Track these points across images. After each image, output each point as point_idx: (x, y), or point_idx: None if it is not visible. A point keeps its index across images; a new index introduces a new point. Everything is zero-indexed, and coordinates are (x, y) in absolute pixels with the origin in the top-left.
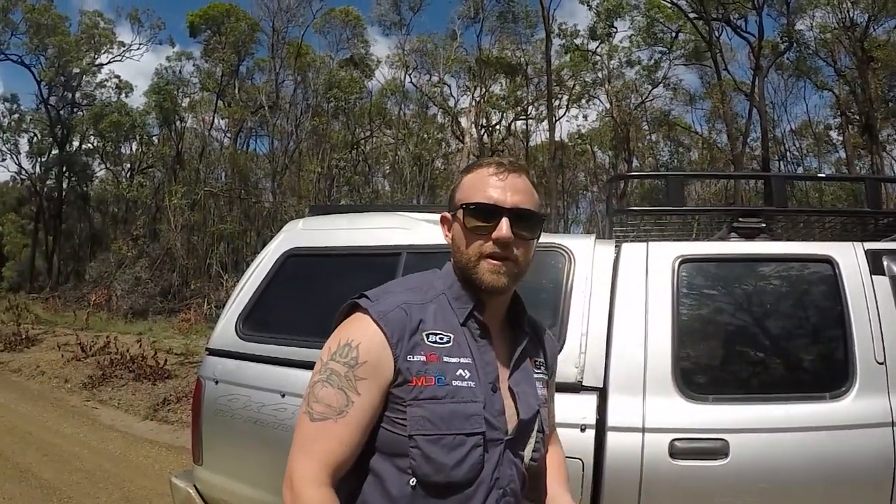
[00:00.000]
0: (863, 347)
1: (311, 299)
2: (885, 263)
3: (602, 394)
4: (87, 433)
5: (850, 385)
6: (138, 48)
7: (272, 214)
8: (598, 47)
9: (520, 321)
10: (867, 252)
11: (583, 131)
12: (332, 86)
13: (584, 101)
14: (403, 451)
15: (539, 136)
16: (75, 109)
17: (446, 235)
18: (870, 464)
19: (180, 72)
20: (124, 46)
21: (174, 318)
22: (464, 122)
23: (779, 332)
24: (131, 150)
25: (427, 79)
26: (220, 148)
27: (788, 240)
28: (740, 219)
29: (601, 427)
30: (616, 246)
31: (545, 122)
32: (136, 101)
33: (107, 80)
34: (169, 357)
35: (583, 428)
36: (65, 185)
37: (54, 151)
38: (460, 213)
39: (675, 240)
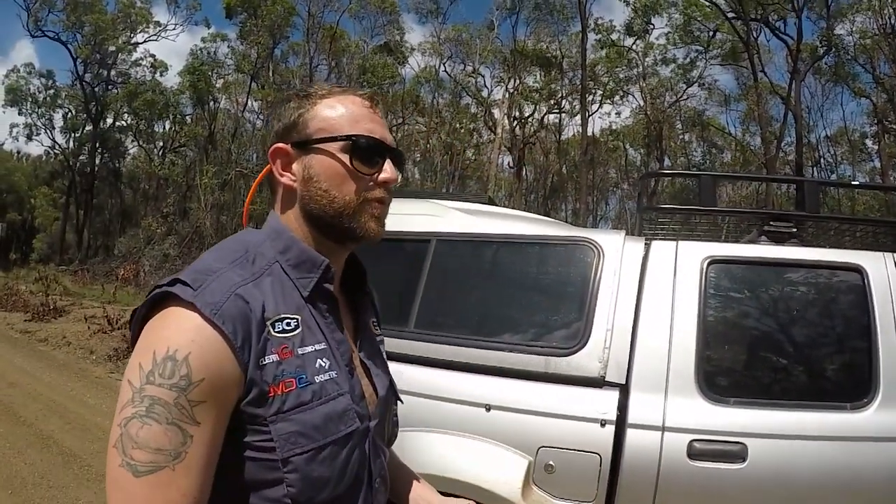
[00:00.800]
0: (888, 359)
1: None
2: None
3: (624, 390)
4: (110, 404)
5: (872, 396)
6: (174, 28)
7: None
8: (633, 44)
9: (361, 282)
10: None
11: (615, 128)
12: (366, 71)
13: (617, 97)
14: (275, 479)
15: (571, 130)
16: (110, 87)
17: (287, 175)
18: (889, 478)
19: (215, 53)
20: (160, 26)
21: None
22: (496, 113)
23: (803, 339)
24: (164, 128)
25: (461, 68)
26: (253, 129)
27: (818, 246)
28: (771, 222)
29: (621, 423)
30: (645, 243)
31: (578, 117)
32: (171, 80)
33: (142, 59)
34: None
35: (603, 423)
36: (97, 161)
37: (88, 127)
38: (337, 148)
39: (704, 240)
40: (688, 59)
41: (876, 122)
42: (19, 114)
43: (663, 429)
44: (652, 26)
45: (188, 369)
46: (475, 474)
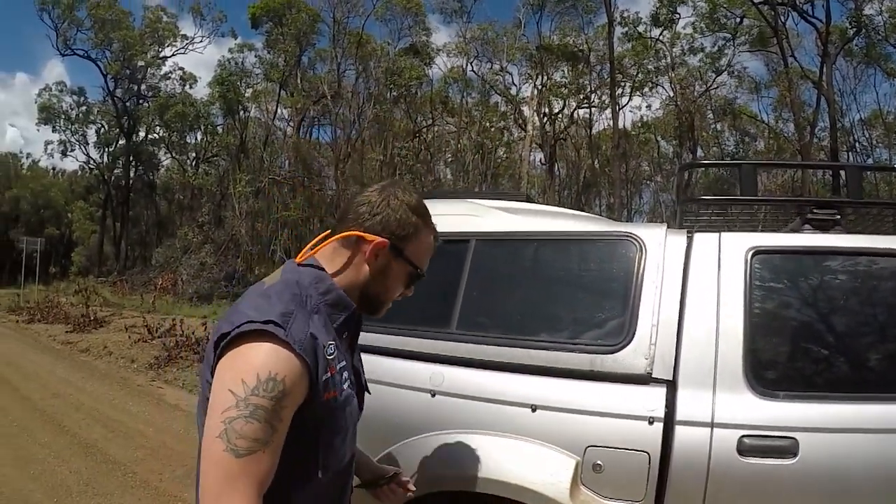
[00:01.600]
0: None
1: None
2: None
3: (671, 386)
4: (153, 412)
5: None
6: (201, 41)
7: (335, 202)
8: (660, 34)
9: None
10: None
11: (646, 120)
12: (393, 73)
13: (646, 89)
14: (317, 451)
15: (602, 124)
16: (141, 101)
17: (370, 258)
18: None
19: (243, 63)
20: (187, 39)
21: None
22: (526, 110)
23: (853, 330)
24: (196, 139)
25: (488, 67)
26: (284, 137)
27: (860, 233)
28: (815, 210)
29: (669, 420)
30: (688, 236)
31: (608, 111)
32: (200, 91)
33: (171, 72)
34: None
35: (651, 421)
36: (132, 174)
37: (121, 141)
38: (409, 270)
39: (744, 231)
40: (716, 48)
41: None
42: (53, 131)
43: (712, 425)
44: (678, 16)
45: (284, 387)
46: (522, 476)
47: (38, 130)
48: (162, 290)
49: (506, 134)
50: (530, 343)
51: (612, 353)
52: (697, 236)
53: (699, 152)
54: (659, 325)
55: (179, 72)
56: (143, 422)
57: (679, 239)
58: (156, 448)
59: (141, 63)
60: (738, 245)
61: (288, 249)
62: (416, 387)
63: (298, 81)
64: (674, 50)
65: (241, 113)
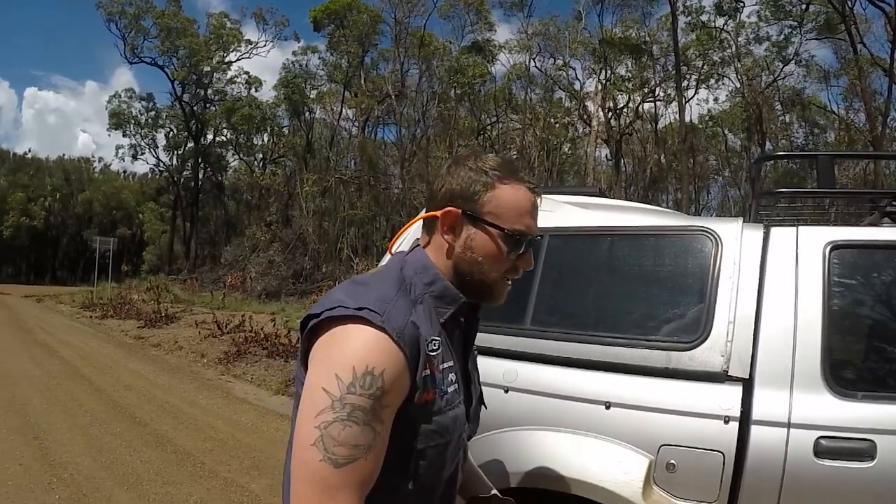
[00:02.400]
0: None
1: None
2: None
3: (748, 385)
4: (221, 405)
5: None
6: (264, 45)
7: (401, 200)
8: (725, 23)
9: (475, 308)
10: None
11: (713, 113)
12: (457, 72)
13: (712, 80)
14: (408, 460)
15: (668, 118)
16: (208, 105)
17: (446, 234)
18: None
19: (306, 65)
20: (251, 44)
21: (306, 299)
22: (590, 105)
23: None
24: (263, 140)
25: (551, 62)
26: (349, 137)
27: None
28: (893, 202)
29: (745, 420)
30: (764, 230)
31: (674, 104)
32: (266, 94)
33: (236, 77)
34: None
35: (727, 420)
36: (200, 175)
37: (190, 144)
38: (499, 234)
39: (820, 224)
40: (782, 36)
41: None
42: (124, 135)
43: (789, 425)
44: (742, 4)
45: (382, 382)
46: (595, 473)
47: (108, 135)
48: (231, 288)
49: (571, 130)
50: (605, 339)
51: (688, 350)
52: (774, 230)
53: (768, 145)
54: (735, 322)
55: (245, 76)
56: (212, 414)
57: (756, 233)
58: (224, 440)
59: (207, 68)
60: (816, 239)
61: (355, 247)
62: (490, 383)
63: (362, 82)
64: (739, 39)
65: (307, 114)
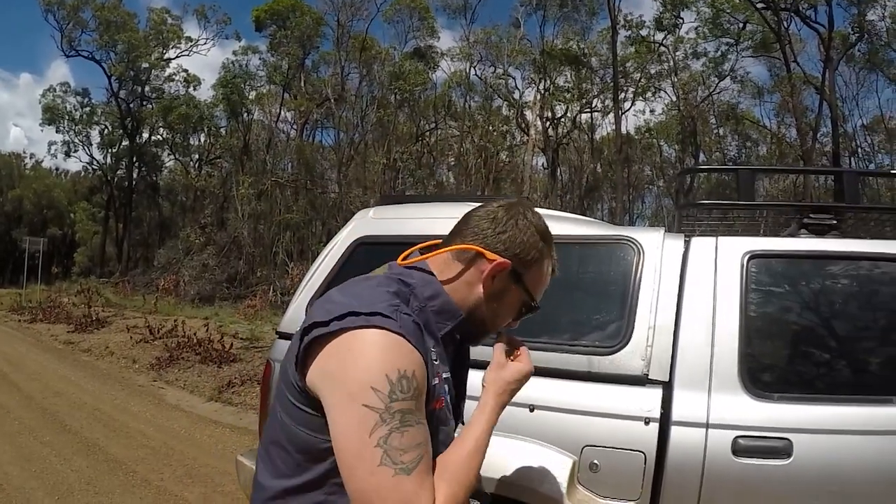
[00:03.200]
0: None
1: None
2: None
3: (667, 387)
4: (154, 412)
5: None
6: (205, 43)
7: (337, 205)
8: (664, 39)
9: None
10: None
11: (649, 125)
12: (398, 77)
13: (649, 93)
14: None
15: (605, 128)
16: (145, 102)
17: (487, 279)
18: None
19: (247, 65)
20: (191, 41)
21: (240, 304)
22: (529, 114)
23: (848, 333)
24: (199, 141)
25: (492, 71)
26: (287, 139)
27: (859, 238)
28: (811, 215)
29: (665, 421)
30: (685, 240)
31: (611, 115)
32: (204, 94)
33: (175, 74)
34: (234, 341)
35: (647, 421)
36: (135, 175)
37: (124, 143)
38: (523, 298)
39: (743, 235)
40: (719, 52)
41: None
42: (57, 131)
43: (707, 425)
44: (681, 20)
45: (417, 382)
46: (521, 474)
47: (41, 131)
48: (164, 292)
49: (508, 138)
50: (528, 344)
51: (610, 354)
52: (695, 240)
53: (701, 157)
54: (656, 328)
55: (183, 74)
56: (144, 421)
57: (676, 243)
58: (157, 447)
59: (145, 65)
60: (734, 249)
61: (290, 251)
62: None
63: (302, 84)
64: (677, 54)
65: (245, 115)
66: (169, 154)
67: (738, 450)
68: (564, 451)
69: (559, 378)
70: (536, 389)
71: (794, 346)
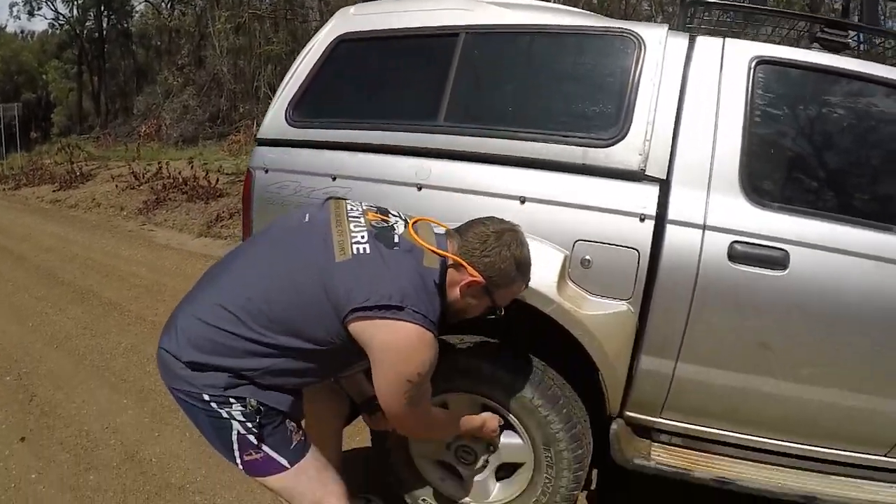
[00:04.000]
0: None
1: (363, 84)
2: None
3: (664, 185)
4: (145, 253)
5: None
6: None
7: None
8: None
9: None
10: None
11: None
12: None
13: None
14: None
15: None
16: None
17: (463, 288)
18: None
19: None
20: None
21: (224, 141)
22: None
23: (855, 155)
24: None
25: None
26: None
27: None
28: (825, 29)
29: (661, 219)
30: (690, 38)
31: None
32: None
33: None
34: (220, 177)
35: (642, 218)
36: (105, 25)
37: None
38: (488, 303)
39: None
40: None
41: None
42: None
43: (704, 227)
44: None
45: (431, 367)
46: None
47: None
48: (146, 138)
49: None
50: (521, 135)
51: (606, 147)
52: (700, 39)
53: None
54: (655, 124)
55: None
56: (135, 264)
57: (681, 41)
58: (149, 286)
59: None
60: (742, 52)
61: (272, 84)
62: (401, 182)
63: None
64: None
65: None
66: None
67: (734, 255)
68: (555, 246)
69: (551, 170)
70: (527, 181)
71: (798, 159)
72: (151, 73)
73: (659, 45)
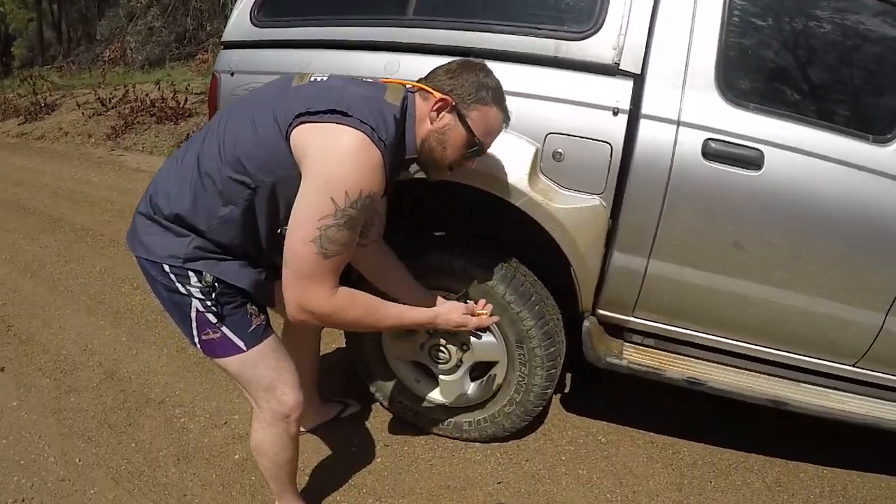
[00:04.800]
0: None
1: None
2: None
3: (639, 80)
4: (115, 178)
5: None
6: None
7: None
8: None
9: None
10: None
11: None
12: None
13: None
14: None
15: None
16: None
17: (433, 113)
18: None
19: None
20: None
21: (192, 62)
22: None
23: (836, 61)
24: None
25: None
26: None
27: None
28: None
29: (634, 114)
30: None
31: None
32: None
33: None
34: (189, 97)
35: (615, 112)
36: None
37: None
38: (466, 137)
39: None
40: None
41: None
42: None
43: (678, 123)
44: None
45: (372, 202)
46: (480, 161)
47: None
48: (111, 63)
49: None
50: (492, 27)
51: (579, 40)
52: None
53: None
54: (631, 16)
55: None
56: (106, 188)
57: None
58: (121, 209)
59: None
60: None
61: None
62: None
63: None
64: None
65: None
66: None
67: (708, 153)
68: (527, 138)
69: (522, 63)
70: (498, 73)
71: (776, 60)
72: None
73: None
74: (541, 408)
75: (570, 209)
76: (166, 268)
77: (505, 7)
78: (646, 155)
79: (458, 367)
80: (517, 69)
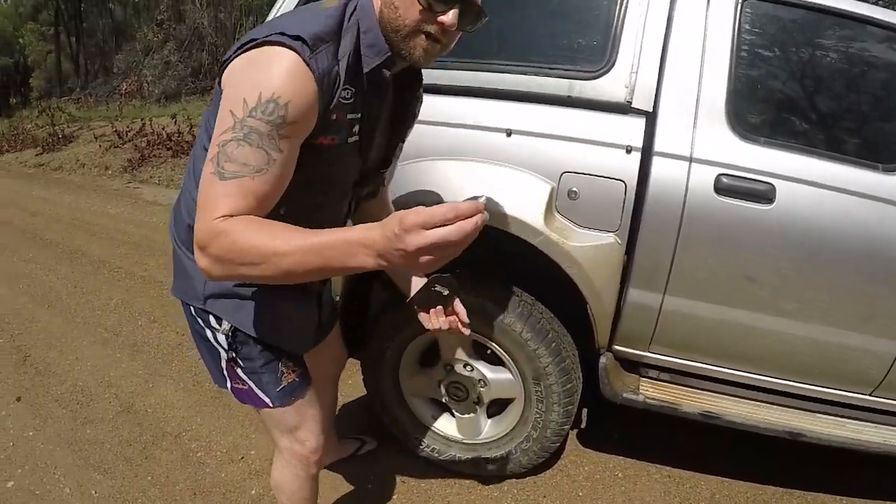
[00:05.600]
0: None
1: None
2: None
3: (651, 118)
4: (132, 210)
5: None
6: None
7: None
8: None
9: (414, 86)
10: None
11: None
12: None
13: None
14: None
15: None
16: None
17: None
18: None
19: None
20: None
21: (207, 96)
22: None
23: (844, 92)
24: None
25: None
26: None
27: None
28: None
29: (647, 151)
30: None
31: None
32: None
33: None
34: None
35: (629, 150)
36: None
37: None
38: None
39: None
40: None
41: None
42: None
43: (691, 159)
44: None
45: (285, 112)
46: (496, 200)
47: None
48: (128, 96)
49: None
50: (506, 67)
51: (592, 79)
52: None
53: None
54: (642, 55)
55: None
56: (123, 221)
57: None
58: (138, 242)
59: None
60: None
61: None
62: None
63: None
64: None
65: None
66: None
67: (720, 188)
68: (542, 177)
69: (537, 103)
70: (513, 114)
71: (786, 93)
72: (130, 30)
73: None
74: (558, 444)
75: (586, 247)
76: (192, 310)
77: (520, 48)
78: (659, 192)
79: (475, 404)
80: (532, 109)
